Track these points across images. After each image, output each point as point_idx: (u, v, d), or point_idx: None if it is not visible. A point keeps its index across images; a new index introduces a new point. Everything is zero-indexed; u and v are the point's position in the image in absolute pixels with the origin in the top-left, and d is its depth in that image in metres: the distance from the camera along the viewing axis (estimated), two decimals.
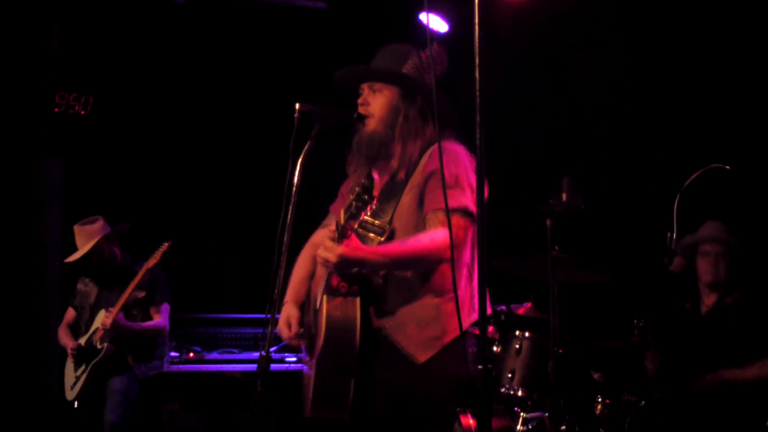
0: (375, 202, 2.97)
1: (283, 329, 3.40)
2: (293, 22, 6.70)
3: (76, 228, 5.68)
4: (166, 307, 5.68)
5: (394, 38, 3.47)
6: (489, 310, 3.40)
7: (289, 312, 3.42)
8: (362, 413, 3.17)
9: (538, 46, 6.27)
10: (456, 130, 3.33)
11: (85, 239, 5.62)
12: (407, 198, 3.24)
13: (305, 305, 3.47)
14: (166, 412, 6.05)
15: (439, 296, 3.18)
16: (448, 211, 2.84)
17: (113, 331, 5.38)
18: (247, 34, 6.79)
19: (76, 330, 5.76)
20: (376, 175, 3.02)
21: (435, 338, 3.14)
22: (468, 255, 3.24)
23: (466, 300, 3.23)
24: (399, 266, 3.18)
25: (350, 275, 3.12)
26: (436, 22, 6.22)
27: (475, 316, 3.19)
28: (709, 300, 4.83)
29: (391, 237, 3.20)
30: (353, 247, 3.02)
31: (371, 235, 3.22)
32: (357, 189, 2.92)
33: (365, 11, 6.52)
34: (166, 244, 5.47)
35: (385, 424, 3.16)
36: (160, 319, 5.62)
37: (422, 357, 3.13)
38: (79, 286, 5.83)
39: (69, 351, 5.57)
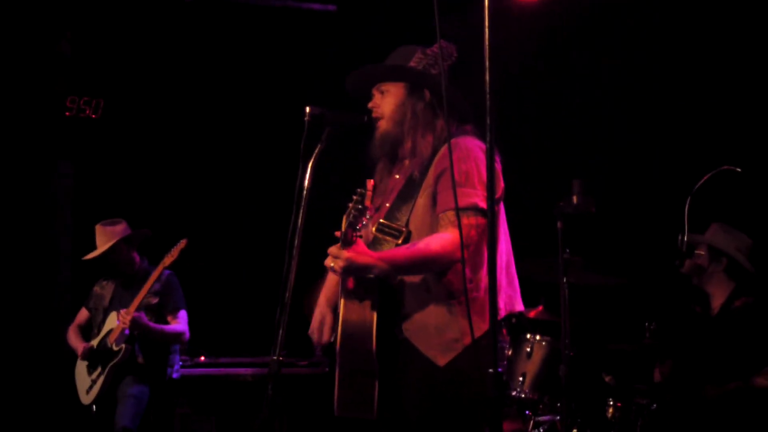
0: (369, 212, 2.96)
1: (315, 332, 3.39)
2: (303, 25, 6.72)
3: (98, 227, 5.66)
4: (183, 315, 5.61)
5: (404, 41, 3.46)
6: (521, 307, 3.35)
7: (323, 314, 3.40)
8: (394, 416, 3.16)
9: (549, 47, 6.27)
10: (473, 123, 3.29)
11: (105, 239, 5.61)
12: (422, 199, 3.21)
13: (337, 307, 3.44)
14: (177, 415, 6.04)
15: (456, 297, 3.14)
16: (458, 210, 2.82)
17: (133, 331, 5.34)
18: (258, 38, 6.81)
19: (87, 332, 5.75)
20: (370, 183, 2.99)
21: (454, 340, 3.12)
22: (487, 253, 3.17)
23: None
24: (407, 270, 3.15)
25: (366, 279, 3.09)
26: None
27: (499, 315, 3.17)
28: (715, 303, 4.80)
29: (407, 239, 3.17)
30: (359, 252, 2.99)
31: (388, 238, 3.20)
32: (354, 197, 2.93)
33: (375, 14, 6.52)
34: (183, 240, 5.40)
35: (419, 426, 3.14)
36: (179, 325, 5.60)
37: (442, 360, 3.12)
38: (96, 288, 5.81)
39: (80, 352, 5.56)
